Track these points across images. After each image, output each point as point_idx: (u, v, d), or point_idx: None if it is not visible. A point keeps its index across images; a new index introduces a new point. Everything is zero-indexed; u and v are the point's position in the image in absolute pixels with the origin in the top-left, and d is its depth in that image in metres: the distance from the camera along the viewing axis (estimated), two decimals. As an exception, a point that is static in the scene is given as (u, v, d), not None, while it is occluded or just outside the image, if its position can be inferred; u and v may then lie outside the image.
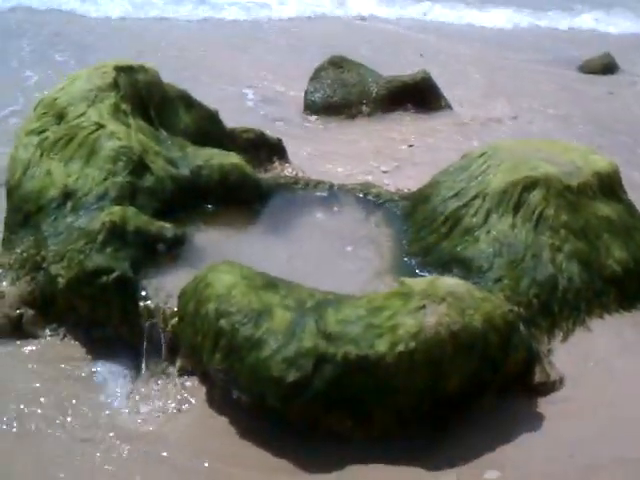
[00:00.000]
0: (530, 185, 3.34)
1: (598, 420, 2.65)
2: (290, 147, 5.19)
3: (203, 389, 2.82)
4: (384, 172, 5.68)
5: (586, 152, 3.67)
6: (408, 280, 2.60)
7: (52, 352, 3.05)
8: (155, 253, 3.21)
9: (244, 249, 3.51)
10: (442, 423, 2.55)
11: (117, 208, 3.13)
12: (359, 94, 7.23)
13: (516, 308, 2.72)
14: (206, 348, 2.57)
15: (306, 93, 7.22)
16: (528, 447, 2.50)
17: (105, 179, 3.38)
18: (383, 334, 2.40)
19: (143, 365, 2.94)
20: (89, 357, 3.02)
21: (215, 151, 3.89)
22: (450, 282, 2.53)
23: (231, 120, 4.70)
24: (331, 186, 4.19)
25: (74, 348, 3.07)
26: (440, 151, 6.36)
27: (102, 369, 2.98)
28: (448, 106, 7.73)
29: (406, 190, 4.94)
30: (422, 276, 3.32)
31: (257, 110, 6.91)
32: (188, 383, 2.86)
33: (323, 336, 2.45)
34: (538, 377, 2.79)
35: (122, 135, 3.53)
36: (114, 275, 2.91)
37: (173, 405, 2.77)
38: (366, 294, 2.66)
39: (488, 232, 3.27)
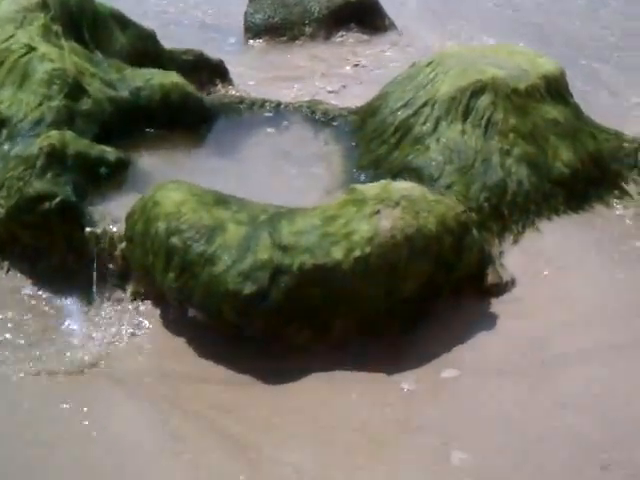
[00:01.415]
0: (478, 90, 3.31)
1: (550, 318, 2.71)
2: (233, 72, 5.03)
3: (157, 311, 2.78)
4: (330, 92, 5.57)
5: (532, 55, 3.65)
6: (359, 186, 2.56)
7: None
8: (98, 178, 3.10)
9: (191, 172, 3.39)
10: (400, 327, 2.57)
11: (55, 132, 2.98)
12: (301, 14, 7.01)
13: (468, 210, 2.71)
14: (158, 268, 2.51)
15: (246, 15, 6.97)
16: (483, 346, 2.55)
17: (40, 104, 3.22)
18: (338, 241, 2.38)
19: (94, 292, 2.86)
20: (36, 288, 2.92)
21: (154, 71, 3.74)
22: (403, 185, 2.52)
23: (169, 46, 4.50)
24: (278, 105, 4.09)
25: (20, 280, 2.96)
26: (386, 69, 6.26)
27: (51, 299, 2.90)
28: (393, 25, 7.58)
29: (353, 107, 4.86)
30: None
31: (196, 35, 6.65)
32: (142, 307, 2.81)
33: (278, 248, 2.42)
34: (490, 279, 2.83)
35: (55, 57, 3.34)
36: (56, 201, 2.80)
37: (129, 330, 2.72)
38: (319, 205, 2.63)
39: (438, 140, 3.25)
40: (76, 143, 3.01)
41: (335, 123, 3.93)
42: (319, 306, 2.47)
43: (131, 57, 3.98)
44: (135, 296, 2.85)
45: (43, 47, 3.39)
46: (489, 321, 2.69)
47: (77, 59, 3.48)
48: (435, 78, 3.50)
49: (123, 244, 2.79)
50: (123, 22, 4.06)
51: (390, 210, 2.40)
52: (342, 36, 7.13)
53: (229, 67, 4.97)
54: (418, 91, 3.50)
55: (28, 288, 2.94)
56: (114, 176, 3.16)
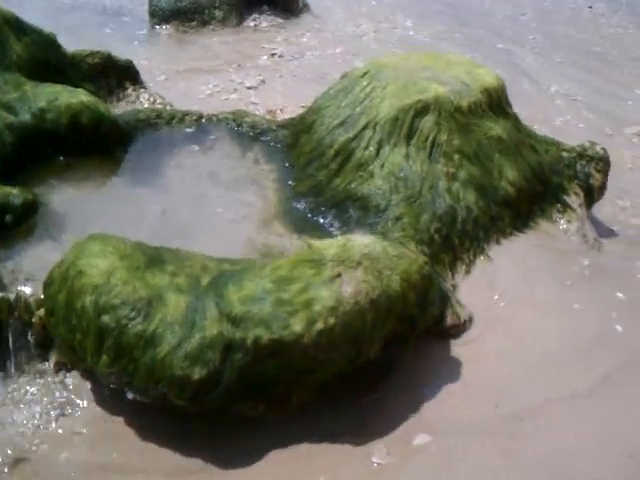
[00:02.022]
0: (421, 110, 3.11)
1: (511, 362, 2.59)
2: (141, 66, 4.61)
3: (87, 385, 2.45)
4: (249, 88, 5.25)
5: (471, 66, 3.47)
6: (316, 243, 2.31)
7: None
8: (3, 227, 2.70)
9: (110, 208, 3.05)
10: (364, 390, 2.37)
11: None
12: (209, -3, 6.57)
13: (426, 258, 2.52)
14: (89, 348, 2.18)
15: (150, -1, 6.46)
16: (451, 401, 2.40)
17: None
18: (297, 311, 2.13)
19: (11, 366, 2.50)
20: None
21: (58, 88, 3.30)
22: (364, 242, 2.28)
23: (70, 44, 4.04)
24: (199, 118, 3.74)
25: None
26: (305, 59, 5.98)
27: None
28: (307, 7, 7.27)
29: (278, 110, 4.58)
30: (315, 221, 3.07)
31: (98, 23, 6.10)
32: (68, 380, 2.48)
33: (227, 319, 2.14)
34: (449, 320, 2.68)
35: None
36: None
37: (55, 409, 2.39)
38: (268, 261, 2.36)
39: (382, 166, 3.03)
40: (-25, 190, 2.60)
41: (264, 138, 3.63)
42: (276, 380, 2.22)
43: (30, 68, 3.52)
44: (59, 367, 2.51)
45: None
46: (453, 369, 2.54)
47: (-34, 80, 3.01)
48: (372, 93, 3.27)
49: (41, 311, 2.43)
50: (19, 27, 3.57)
51: (352, 272, 2.17)
52: (255, 19, 6.77)
53: (137, 60, 4.55)
54: (355, 107, 3.26)
55: None
56: (22, 222, 2.77)
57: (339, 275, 2.17)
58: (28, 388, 2.46)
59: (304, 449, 2.26)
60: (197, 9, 6.56)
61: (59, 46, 3.85)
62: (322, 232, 3.00)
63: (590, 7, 8.19)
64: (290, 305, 2.16)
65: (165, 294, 2.19)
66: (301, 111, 4.73)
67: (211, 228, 3.07)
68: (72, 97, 3.23)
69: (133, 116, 3.57)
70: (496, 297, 2.88)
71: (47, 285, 2.34)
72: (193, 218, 3.10)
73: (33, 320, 2.47)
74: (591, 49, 6.90)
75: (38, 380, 2.48)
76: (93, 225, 2.88)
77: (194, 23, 6.49)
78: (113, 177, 3.31)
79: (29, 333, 2.50)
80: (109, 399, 2.37)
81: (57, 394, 2.43)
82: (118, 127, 3.36)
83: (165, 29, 6.35)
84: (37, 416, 2.38)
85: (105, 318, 2.13)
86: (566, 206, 3.45)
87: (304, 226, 3.05)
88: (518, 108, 3.60)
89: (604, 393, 2.47)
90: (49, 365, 2.51)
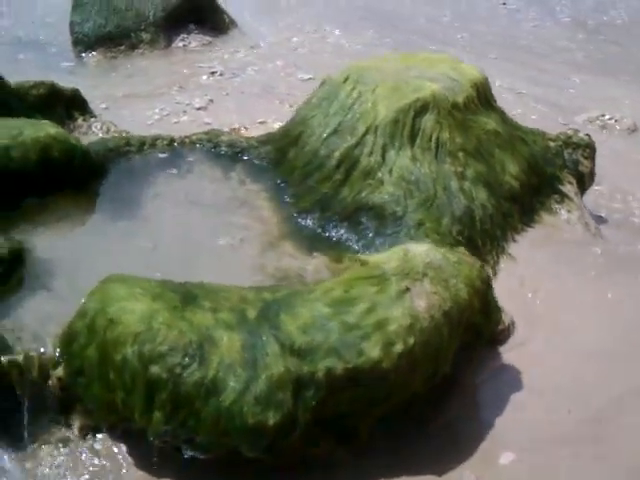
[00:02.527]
0: (420, 109, 2.97)
1: (566, 364, 2.47)
2: (78, 97, 4.25)
3: (123, 448, 2.14)
4: (199, 109, 5.00)
5: (453, 61, 3.38)
6: (371, 258, 2.12)
7: None
8: (-9, 282, 2.35)
9: (97, 248, 2.74)
10: (434, 411, 2.19)
11: None
12: (135, 19, 6.28)
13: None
14: (137, 406, 1.89)
15: (72, 25, 6.09)
16: (524, 413, 2.24)
17: None
18: (369, 335, 1.92)
19: (27, 438, 2.15)
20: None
21: (19, 122, 2.95)
22: (421, 250, 2.10)
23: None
24: (171, 142, 3.46)
25: None
26: (247, 75, 5.77)
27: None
28: (233, 23, 7.07)
29: (242, 128, 4.37)
30: (327, 237, 2.87)
31: (21, 60, 5.64)
32: (98, 445, 2.15)
33: (291, 353, 1.91)
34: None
35: None
36: (-46, 333, 2.03)
37: (88, 480, 2.07)
38: (312, 285, 2.14)
39: (390, 171, 2.87)
40: (-45, 243, 2.24)
41: (246, 157, 3.39)
42: (348, 411, 2.00)
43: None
44: (85, 432, 2.18)
45: None
46: (514, 377, 2.39)
47: None
48: (360, 97, 3.11)
49: (59, 370, 2.11)
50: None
51: (420, 285, 1.98)
52: (183, 39, 6.51)
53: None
54: (345, 114, 3.09)
55: None
56: (11, 275, 2.42)
57: (407, 289, 1.98)
58: (51, 460, 2.12)
59: (387, 484, 2.04)
60: (123, 33, 6.23)
61: (2, 78, 3.48)
62: (339, 248, 2.81)
63: (504, 4, 8.40)
64: (359, 329, 1.95)
65: (214, 334, 1.93)
66: (260, 127, 4.56)
67: (210, 257, 2.81)
68: (37, 130, 2.89)
69: (102, 146, 3.25)
70: (530, 296, 2.77)
71: (67, 342, 2.02)
72: (187, 248, 2.84)
73: (49, 382, 2.14)
74: (518, 43, 7.05)
75: (62, 449, 2.15)
76: (85, 268, 2.59)
77: (122, 47, 6.16)
78: (92, 214, 2.99)
79: (45, 397, 2.17)
80: (157, 461, 2.06)
81: (87, 463, 2.11)
82: (91, 159, 3.04)
83: (92, 56, 5.98)
84: (67, 492, 2.05)
85: (154, 369, 1.85)
86: (563, 196, 3.40)
87: (317, 244, 2.84)
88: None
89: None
90: (72, 430, 2.18)
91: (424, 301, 1.95)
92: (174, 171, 3.31)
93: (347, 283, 2.06)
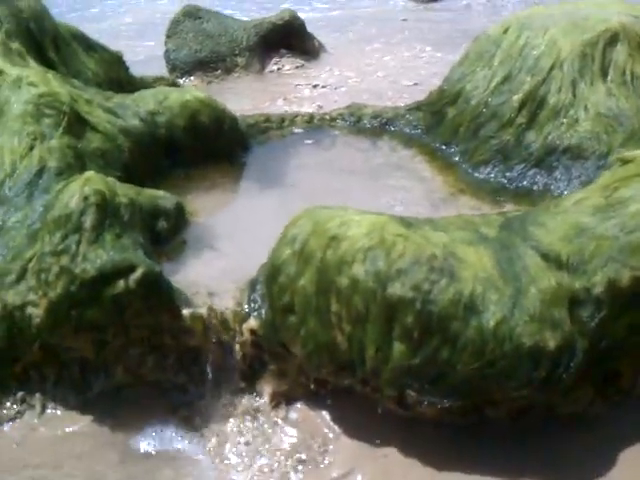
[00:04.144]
0: (609, 40, 2.60)
1: None
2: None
3: (327, 417, 1.73)
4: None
5: (624, 5, 3.01)
6: (630, 154, 1.72)
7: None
8: (157, 235, 2.04)
9: (253, 215, 2.43)
10: None
11: (93, 174, 1.89)
12: (229, 44, 6.15)
13: None
14: (369, 340, 1.50)
15: (167, 53, 5.99)
16: None
17: (31, 147, 2.11)
18: (658, 235, 1.50)
19: (209, 408, 1.79)
20: (121, 428, 1.80)
21: (162, 88, 2.72)
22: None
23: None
24: (311, 118, 3.18)
25: (67, 421, 1.82)
26: (350, 86, 5.53)
27: (147, 441, 1.78)
28: (322, 47, 6.91)
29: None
30: (515, 187, 2.49)
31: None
32: (293, 415, 1.76)
33: (557, 266, 1.50)
34: None
35: (37, 80, 2.24)
36: (136, 275, 1.69)
37: (288, 459, 1.66)
38: (562, 198, 1.75)
39: (585, 107, 2.49)
40: (123, 188, 1.94)
41: (393, 127, 3.07)
42: (623, 343, 1.57)
43: (103, 85, 2.94)
44: (277, 401, 1.80)
45: (13, 69, 2.29)
46: None
47: (60, 81, 2.40)
48: (530, 42, 2.76)
49: (251, 323, 1.75)
50: (87, 43, 3.01)
51: None
52: (277, 63, 6.34)
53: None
54: (515, 61, 2.74)
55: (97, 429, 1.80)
56: (174, 231, 2.11)
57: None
58: (239, 438, 1.73)
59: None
60: (218, 58, 6.10)
61: (127, 67, 3.30)
62: (532, 196, 2.42)
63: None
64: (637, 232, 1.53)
65: (457, 250, 1.54)
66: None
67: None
68: (184, 94, 2.63)
69: (242, 122, 2.97)
70: None
71: (272, 277, 1.67)
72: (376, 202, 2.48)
73: (238, 340, 1.78)
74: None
75: (250, 423, 1.76)
76: (244, 230, 2.27)
77: (218, 72, 6.02)
78: (241, 183, 2.69)
79: (228, 363, 1.81)
80: (378, 422, 1.65)
81: (283, 436, 1.71)
82: (239, 128, 2.76)
83: (190, 81, 5.84)
84: (267, 473, 1.65)
85: (394, 288, 1.46)
86: None
87: (504, 194, 2.46)
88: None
89: None
90: (264, 400, 1.80)
91: None
92: (317, 144, 3.01)
93: (605, 188, 1.66)
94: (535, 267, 1.50)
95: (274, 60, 6.47)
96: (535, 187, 2.45)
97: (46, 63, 2.61)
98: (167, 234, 2.06)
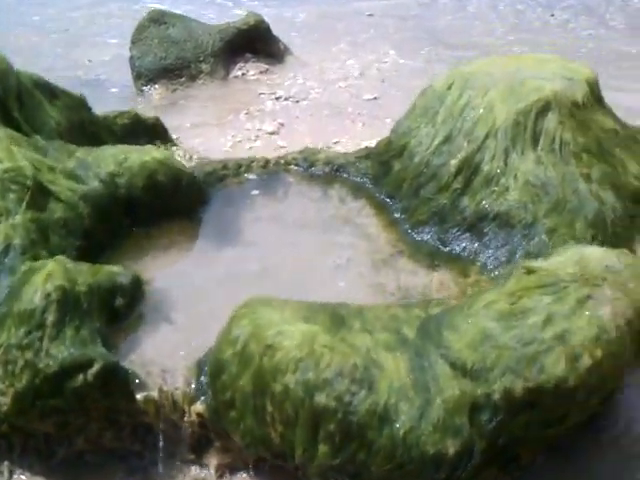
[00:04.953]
0: (542, 109, 2.80)
1: None
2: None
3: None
4: (272, 133, 4.89)
5: (562, 61, 3.20)
6: (540, 264, 1.93)
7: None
8: (114, 314, 2.22)
9: (209, 275, 2.62)
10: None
11: (51, 264, 2.06)
12: (194, 50, 6.24)
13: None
14: (298, 440, 1.72)
15: (132, 60, 6.06)
16: None
17: (-5, 225, 2.27)
18: (550, 349, 1.73)
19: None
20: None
21: (122, 148, 2.85)
22: (595, 253, 1.92)
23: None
24: (266, 163, 3.34)
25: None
26: (312, 98, 5.67)
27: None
28: (287, 50, 7.00)
29: (304, 147, 4.21)
30: (448, 251, 2.69)
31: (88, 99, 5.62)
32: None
33: (462, 374, 1.73)
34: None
35: (2, 155, 2.39)
36: (95, 369, 1.88)
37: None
38: (468, 298, 1.97)
39: (515, 176, 2.69)
40: (81, 273, 2.11)
41: (344, 174, 3.26)
42: (519, 437, 1.80)
43: (67, 133, 3.07)
44: (222, 471, 2.02)
45: (-26, 142, 2.43)
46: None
47: (24, 150, 2.54)
48: (471, 103, 2.95)
49: (197, 406, 1.95)
50: (49, 90, 3.13)
51: (600, 291, 1.80)
52: (241, 68, 6.45)
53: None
54: (456, 121, 2.93)
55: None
56: (131, 306, 2.29)
57: (588, 297, 1.79)
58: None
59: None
60: (183, 64, 6.18)
61: (90, 108, 3.41)
62: (462, 261, 2.63)
63: (552, 15, 8.23)
64: (537, 343, 1.76)
65: (377, 357, 1.76)
66: (336, 148, 4.44)
67: (323, 278, 2.65)
68: (143, 155, 2.78)
69: (200, 170, 3.13)
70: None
71: (215, 373, 1.87)
72: (297, 271, 2.68)
73: (185, 419, 1.99)
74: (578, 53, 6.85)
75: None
76: (200, 297, 2.46)
77: (182, 79, 6.11)
78: (198, 241, 2.86)
79: (177, 436, 2.02)
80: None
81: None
82: (197, 183, 2.92)
83: (154, 89, 5.93)
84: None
85: (320, 398, 1.68)
86: (684, 195, 3.17)
87: (438, 258, 2.67)
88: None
89: None
90: (209, 471, 2.02)
91: (608, 309, 1.76)
92: (272, 193, 3.19)
93: (511, 294, 1.88)
94: (443, 377, 1.72)
95: (239, 65, 6.57)
96: (466, 253, 2.66)
97: (10, 124, 2.74)
98: (124, 310, 2.23)
